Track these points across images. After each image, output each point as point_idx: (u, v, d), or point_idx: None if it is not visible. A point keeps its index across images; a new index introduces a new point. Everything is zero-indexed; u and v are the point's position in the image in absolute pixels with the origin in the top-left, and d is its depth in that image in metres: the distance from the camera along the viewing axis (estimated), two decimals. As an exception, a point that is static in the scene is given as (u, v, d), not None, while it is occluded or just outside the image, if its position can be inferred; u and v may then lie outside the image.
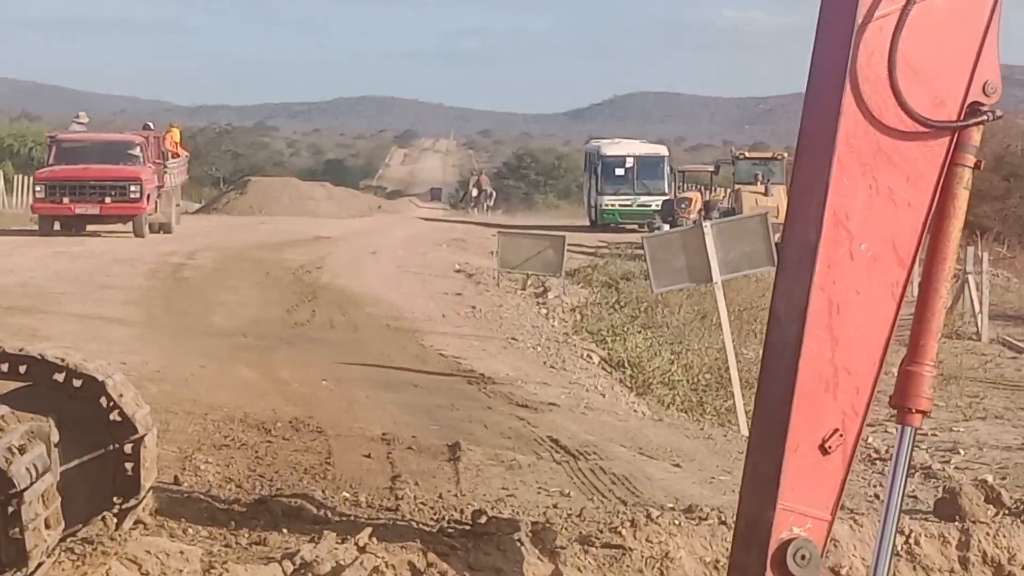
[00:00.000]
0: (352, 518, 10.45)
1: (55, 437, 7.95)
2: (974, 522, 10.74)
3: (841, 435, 8.24)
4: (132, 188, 40.63)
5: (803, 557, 8.24)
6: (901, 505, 8.42)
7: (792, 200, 8.92)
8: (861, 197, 8.24)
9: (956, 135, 8.23)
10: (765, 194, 51.48)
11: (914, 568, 10.44)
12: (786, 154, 57.90)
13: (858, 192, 8.23)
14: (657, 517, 10.35)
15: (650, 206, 58.67)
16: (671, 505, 11.62)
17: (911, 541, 10.53)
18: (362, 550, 8.91)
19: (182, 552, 8.63)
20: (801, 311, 8.20)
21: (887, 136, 8.24)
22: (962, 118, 8.17)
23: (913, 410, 8.18)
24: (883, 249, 8.41)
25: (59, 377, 8.55)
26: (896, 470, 8.45)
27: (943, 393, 25.82)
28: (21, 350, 8.70)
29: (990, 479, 12.95)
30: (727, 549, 9.70)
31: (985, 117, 8.25)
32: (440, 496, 11.82)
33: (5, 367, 8.50)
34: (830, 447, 8.32)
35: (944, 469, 16.34)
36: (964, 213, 8.30)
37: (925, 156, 8.24)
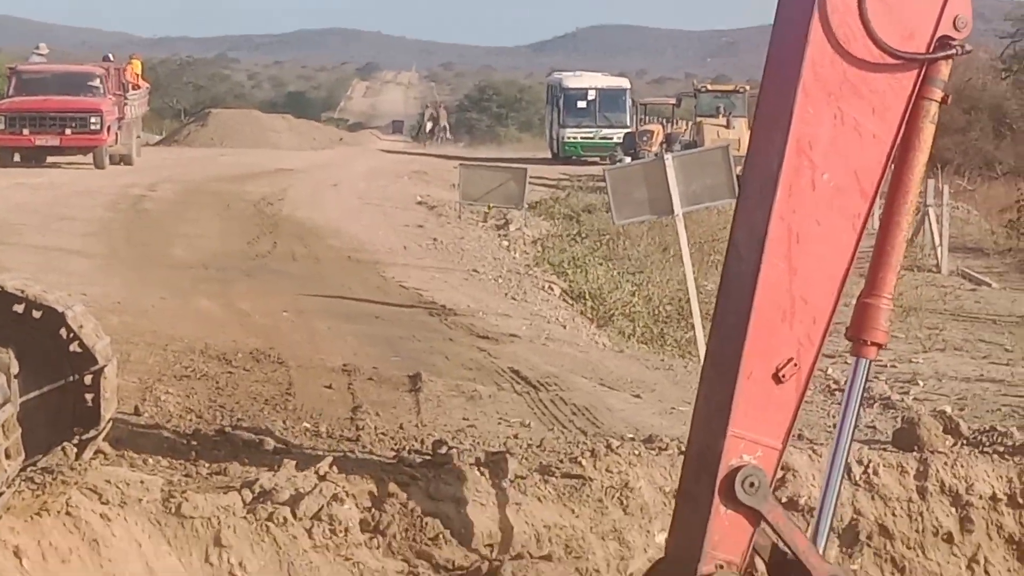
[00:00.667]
0: (312, 448, 10.50)
1: (15, 368, 8.00)
2: (932, 452, 10.85)
3: (796, 364, 8.32)
4: (92, 120, 40.70)
5: (752, 484, 8.30)
6: (852, 434, 8.61)
7: (756, 129, 8.81)
8: (826, 127, 8.22)
9: (924, 68, 8.21)
10: (727, 127, 52.21)
11: (872, 497, 10.47)
12: (748, 87, 59.56)
13: (823, 122, 8.20)
14: (617, 447, 10.38)
15: (612, 139, 59.07)
16: (631, 436, 11.66)
17: (869, 471, 10.55)
18: (322, 478, 8.99)
19: (142, 481, 8.70)
20: (761, 239, 8.19)
21: (854, 67, 8.18)
22: (931, 51, 8.16)
23: (869, 342, 8.30)
24: (846, 180, 8.39)
25: (18, 308, 8.51)
26: (849, 400, 8.63)
27: (903, 325, 26.10)
28: None
29: (948, 410, 13.29)
30: (684, 478, 9.73)
31: (954, 51, 8.23)
32: (401, 427, 11.81)
33: None
34: (784, 376, 8.37)
35: (903, 400, 16.52)
36: (929, 147, 8.34)
37: (892, 88, 8.24)
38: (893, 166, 8.43)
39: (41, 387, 8.47)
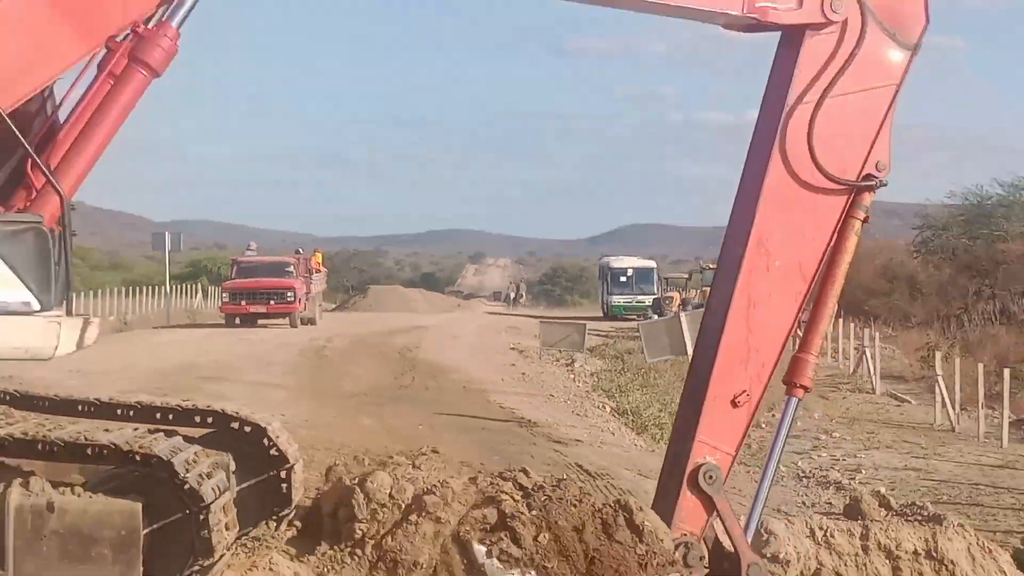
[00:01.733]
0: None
1: (232, 467, 8.20)
2: (872, 520, 11.01)
3: (748, 395, 9.12)
4: (288, 294, 43.79)
5: (711, 478, 9.00)
6: (782, 454, 9.43)
7: (730, 224, 9.43)
8: (779, 228, 9.03)
9: (853, 194, 8.95)
10: None
11: (829, 553, 10.60)
12: None
13: (777, 224, 9.03)
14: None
15: (645, 302, 62.14)
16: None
17: (828, 534, 10.66)
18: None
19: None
20: (727, 304, 9.04)
21: (803, 187, 8.92)
22: (859, 181, 9.03)
23: (798, 385, 9.05)
24: (792, 268, 9.16)
25: (235, 425, 8.75)
26: (781, 428, 9.37)
27: (849, 430, 26.74)
28: (209, 407, 9.00)
29: (883, 490, 13.43)
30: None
31: (875, 184, 8.98)
32: None
33: (198, 419, 8.74)
34: (739, 402, 9.13)
35: (851, 483, 16.86)
36: (853, 251, 9.20)
37: (830, 206, 8.97)
38: (826, 263, 9.10)
39: (250, 480, 8.56)
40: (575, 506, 8.53)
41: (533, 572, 8.12)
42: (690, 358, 20.70)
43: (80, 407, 8.78)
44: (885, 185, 9.13)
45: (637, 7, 9.27)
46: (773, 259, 9.09)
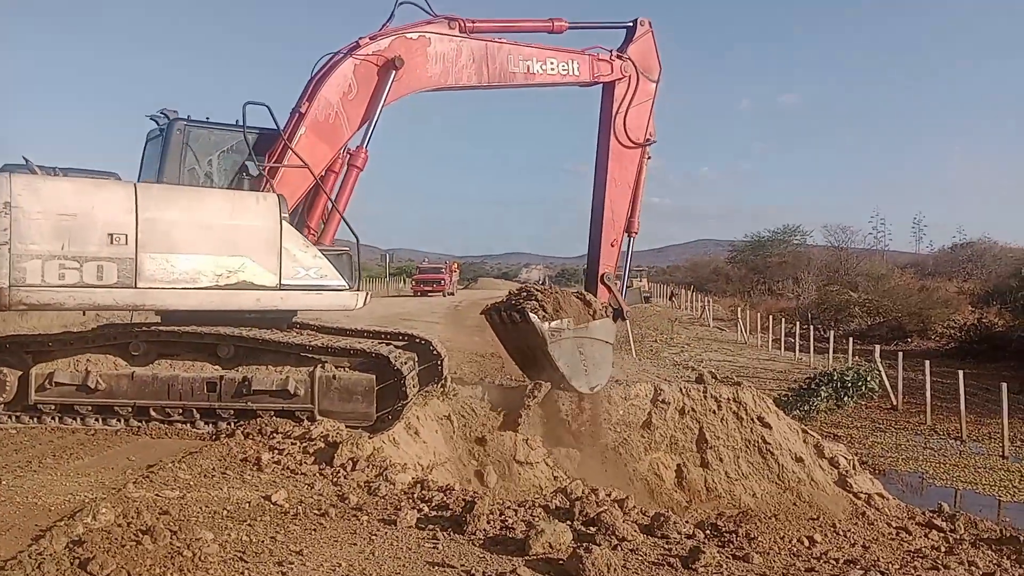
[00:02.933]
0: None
1: (416, 358, 9.81)
2: (708, 384, 12.60)
3: (616, 240, 11.49)
4: (441, 281, 52.50)
5: (609, 278, 11.43)
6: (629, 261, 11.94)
7: (597, 172, 11.71)
8: (621, 173, 11.52)
9: (644, 151, 11.80)
10: (641, 280, 59.41)
11: (689, 399, 12.16)
12: (647, 268, 75.93)
13: (616, 170, 11.50)
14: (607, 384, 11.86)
15: None
16: (615, 378, 12.75)
17: (687, 390, 12.27)
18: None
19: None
20: (601, 208, 11.33)
21: (623, 148, 11.58)
22: (645, 143, 11.79)
23: (618, 242, 11.71)
24: (624, 185, 11.55)
25: (417, 340, 10.44)
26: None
27: (697, 343, 28.55)
28: (405, 332, 10.65)
29: (712, 371, 14.43)
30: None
31: (650, 144, 11.80)
32: None
33: (402, 340, 10.32)
34: (613, 244, 11.60)
35: (698, 367, 18.45)
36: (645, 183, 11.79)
37: (633, 160, 11.67)
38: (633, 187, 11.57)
39: (424, 365, 10.08)
40: (574, 299, 10.69)
41: (550, 315, 10.04)
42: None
43: (348, 331, 10.36)
44: (655, 142, 11.84)
45: (524, 85, 10.60)
46: (616, 188, 11.64)
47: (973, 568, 6.30)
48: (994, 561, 8.30)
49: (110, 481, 6.54)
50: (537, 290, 10.63)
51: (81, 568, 4.54)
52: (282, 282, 8.76)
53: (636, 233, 11.90)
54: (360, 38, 9.91)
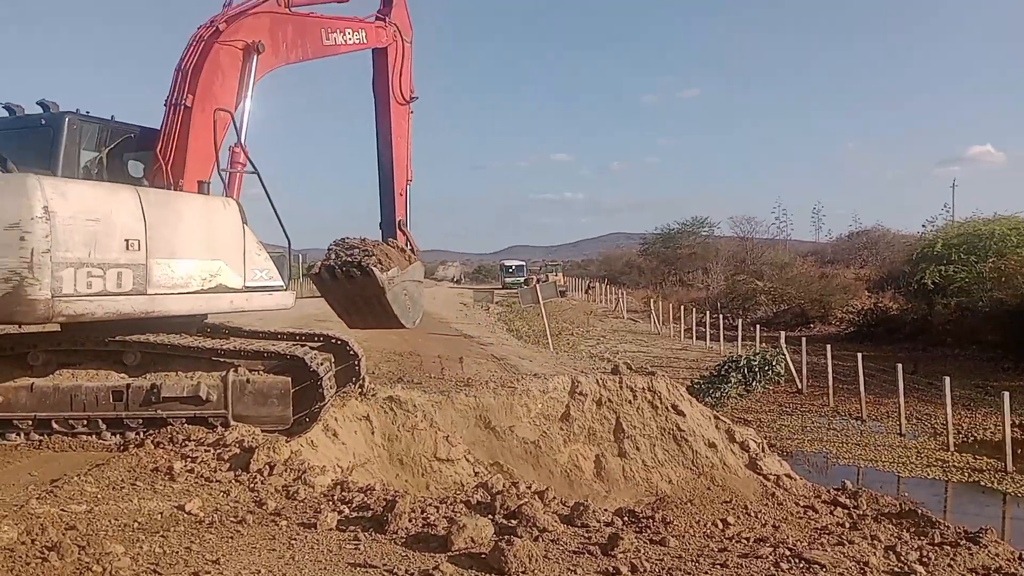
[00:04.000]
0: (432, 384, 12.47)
1: (332, 359, 9.61)
2: (622, 375, 12.80)
3: (403, 191, 11.91)
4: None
5: (403, 223, 11.71)
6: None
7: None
8: (398, 124, 11.78)
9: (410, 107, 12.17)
10: (556, 275, 64.29)
11: (605, 389, 12.30)
12: (561, 262, 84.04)
13: (395, 121, 11.75)
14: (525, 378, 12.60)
15: (520, 280, 64.03)
16: (533, 373, 13.61)
17: (603, 381, 12.47)
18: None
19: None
20: (390, 162, 11.57)
21: (400, 107, 11.97)
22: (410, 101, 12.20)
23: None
24: (403, 138, 12.01)
25: (334, 341, 9.98)
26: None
27: (613, 335, 29.13)
28: (320, 333, 10.07)
29: (627, 361, 15.05)
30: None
31: (414, 99, 12.22)
32: (455, 373, 13.73)
33: (317, 341, 9.84)
34: (401, 193, 11.94)
35: (613, 358, 18.90)
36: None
37: (405, 114, 12.02)
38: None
39: (341, 366, 9.80)
40: (390, 249, 10.65)
41: (385, 266, 10.01)
42: (541, 305, 23.90)
43: (261, 333, 9.87)
44: (417, 98, 12.23)
45: (320, 55, 10.66)
46: (399, 137, 11.97)
47: (876, 542, 6.62)
48: (895, 534, 8.82)
49: (11, 498, 6.25)
50: (361, 246, 10.37)
51: (-19, 590, 4.33)
52: (246, 284, 8.91)
53: (411, 181, 12.48)
54: (213, 19, 9.59)
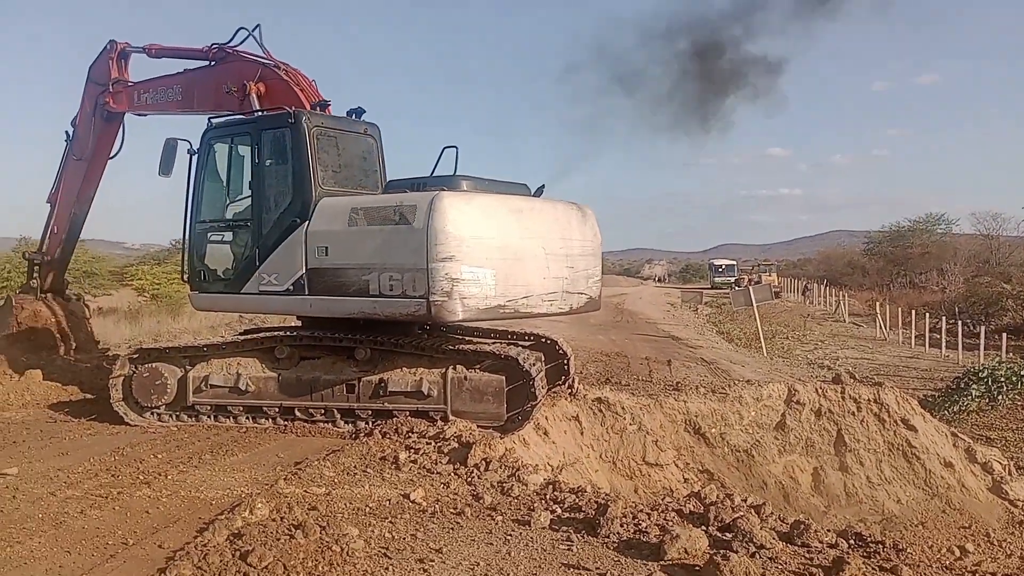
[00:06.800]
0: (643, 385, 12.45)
1: (543, 358, 9.65)
2: (845, 384, 12.22)
3: None
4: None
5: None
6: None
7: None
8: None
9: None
10: (769, 275, 62.10)
11: (825, 399, 11.69)
12: (775, 262, 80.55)
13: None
14: (737, 384, 12.22)
15: (730, 280, 64.70)
16: (746, 379, 13.31)
17: (823, 391, 11.90)
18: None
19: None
20: None
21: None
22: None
23: None
24: None
25: (544, 340, 10.24)
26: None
27: (832, 341, 27.84)
28: (530, 332, 10.27)
29: (848, 370, 14.58)
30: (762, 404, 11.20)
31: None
32: (662, 377, 13.60)
33: (528, 340, 10.08)
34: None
35: (834, 366, 17.95)
36: None
37: None
38: None
39: (550, 364, 9.98)
40: None
41: None
42: (754, 307, 23.35)
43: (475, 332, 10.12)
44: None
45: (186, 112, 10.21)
46: None
47: None
48: None
49: (262, 477, 6.96)
50: None
51: (242, 560, 4.87)
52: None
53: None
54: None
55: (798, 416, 11.62)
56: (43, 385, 10.71)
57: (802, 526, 5.35)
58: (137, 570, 4.98)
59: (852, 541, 5.37)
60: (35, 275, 12.79)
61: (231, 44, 9.94)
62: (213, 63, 10.01)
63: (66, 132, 11.90)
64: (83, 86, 11.57)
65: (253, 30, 9.73)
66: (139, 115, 11.01)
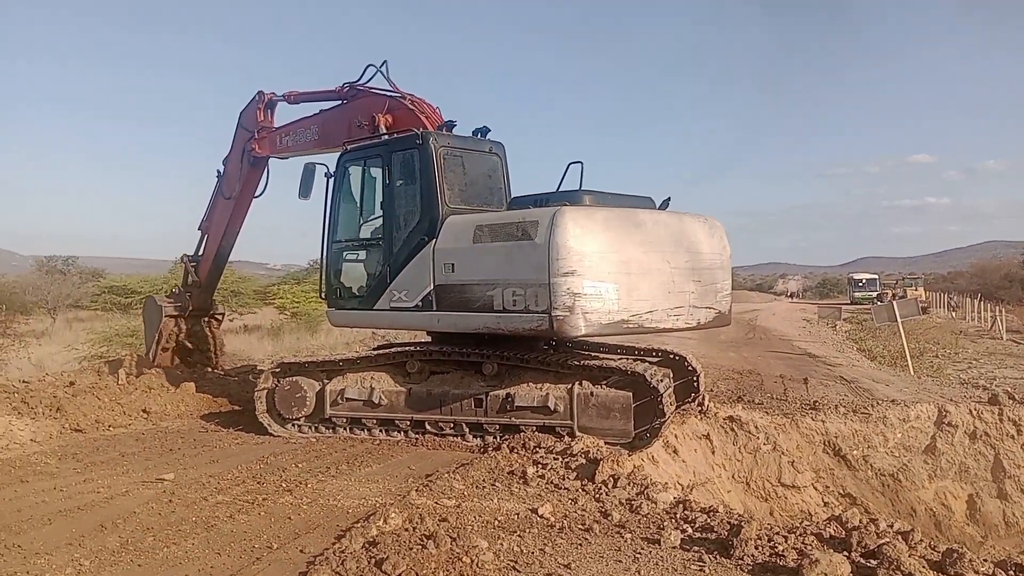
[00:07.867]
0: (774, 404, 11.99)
1: (671, 374, 9.49)
2: (1003, 406, 11.63)
3: None
4: None
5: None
6: None
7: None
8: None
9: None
10: (915, 290, 59.98)
11: (981, 422, 11.14)
12: (922, 275, 78.43)
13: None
14: (881, 404, 11.69)
15: (872, 295, 63.51)
16: (891, 398, 12.70)
17: (978, 412, 11.26)
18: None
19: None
20: None
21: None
22: None
23: None
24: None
25: (672, 356, 10.00)
26: None
27: (988, 359, 26.06)
28: (657, 348, 10.14)
29: (1007, 390, 13.53)
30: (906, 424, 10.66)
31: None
32: (798, 395, 13.15)
33: (655, 356, 9.99)
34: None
35: (990, 386, 16.68)
36: None
37: None
38: None
39: (679, 382, 9.73)
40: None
41: None
42: (899, 323, 22.28)
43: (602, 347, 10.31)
44: None
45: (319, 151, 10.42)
46: None
47: None
48: None
49: (395, 488, 7.18)
50: None
51: (377, 567, 5.04)
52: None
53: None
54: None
55: (950, 439, 10.98)
56: (196, 397, 11.44)
57: (955, 554, 5.02)
58: (280, 573, 5.23)
59: (1012, 572, 4.99)
60: (189, 277, 13.49)
61: (361, 81, 10.41)
62: (345, 101, 10.54)
63: (217, 171, 12.75)
64: (234, 130, 12.38)
65: (381, 66, 10.20)
66: (281, 158, 11.70)
